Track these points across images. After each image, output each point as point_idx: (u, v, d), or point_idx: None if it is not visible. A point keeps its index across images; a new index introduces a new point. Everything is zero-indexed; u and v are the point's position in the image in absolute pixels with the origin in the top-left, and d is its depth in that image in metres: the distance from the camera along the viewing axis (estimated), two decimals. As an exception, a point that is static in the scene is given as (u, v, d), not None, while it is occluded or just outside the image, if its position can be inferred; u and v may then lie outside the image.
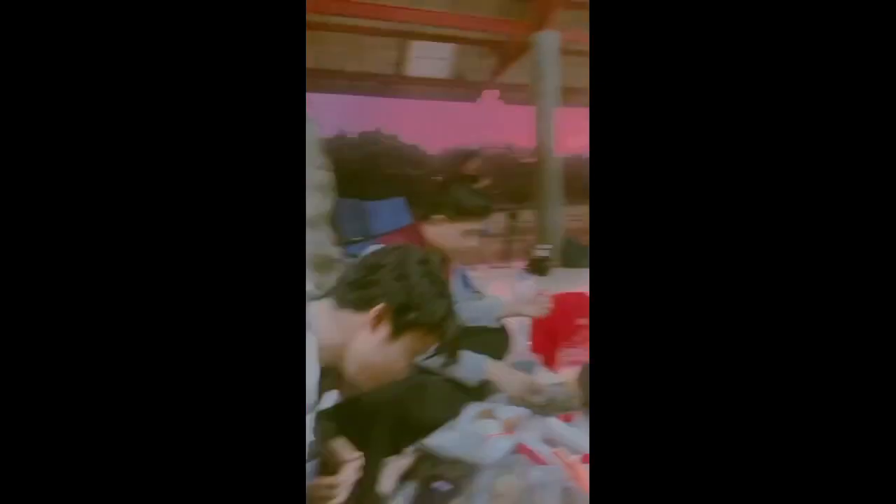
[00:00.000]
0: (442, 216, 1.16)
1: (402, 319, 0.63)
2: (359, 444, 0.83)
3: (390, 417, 0.93)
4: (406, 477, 0.91)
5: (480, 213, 1.17)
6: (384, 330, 0.62)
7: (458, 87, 6.02)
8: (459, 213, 1.15)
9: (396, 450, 0.96)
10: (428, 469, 0.92)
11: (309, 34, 4.88)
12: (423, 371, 1.06)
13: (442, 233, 1.17)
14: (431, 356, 0.69)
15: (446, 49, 5.30)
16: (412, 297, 0.62)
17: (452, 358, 0.72)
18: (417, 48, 5.22)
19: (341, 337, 0.63)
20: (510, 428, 0.98)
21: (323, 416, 0.73)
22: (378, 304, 0.62)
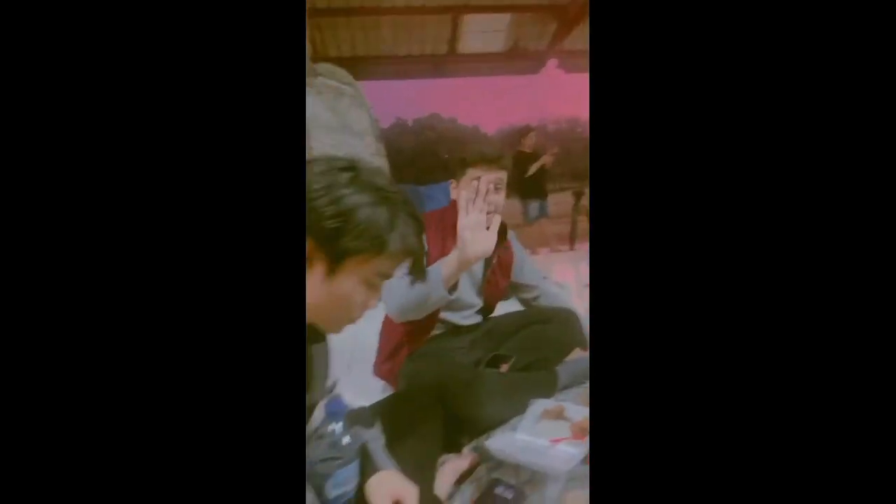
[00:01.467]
0: (465, 174, 1.09)
1: (334, 247, 0.51)
2: (408, 442, 0.77)
3: (441, 412, 0.86)
4: (463, 479, 0.83)
5: (495, 161, 1.10)
6: (320, 268, 0.52)
7: (517, 59, 5.73)
8: (482, 160, 1.09)
9: (451, 448, 0.89)
10: (488, 472, 0.83)
11: (357, 20, 4.89)
12: (476, 363, 0.98)
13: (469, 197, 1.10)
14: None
15: (502, 20, 5.04)
16: (341, 215, 0.51)
17: (419, 276, 0.63)
18: (470, 22, 5.02)
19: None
20: (581, 433, 0.86)
21: (360, 416, 0.67)
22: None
